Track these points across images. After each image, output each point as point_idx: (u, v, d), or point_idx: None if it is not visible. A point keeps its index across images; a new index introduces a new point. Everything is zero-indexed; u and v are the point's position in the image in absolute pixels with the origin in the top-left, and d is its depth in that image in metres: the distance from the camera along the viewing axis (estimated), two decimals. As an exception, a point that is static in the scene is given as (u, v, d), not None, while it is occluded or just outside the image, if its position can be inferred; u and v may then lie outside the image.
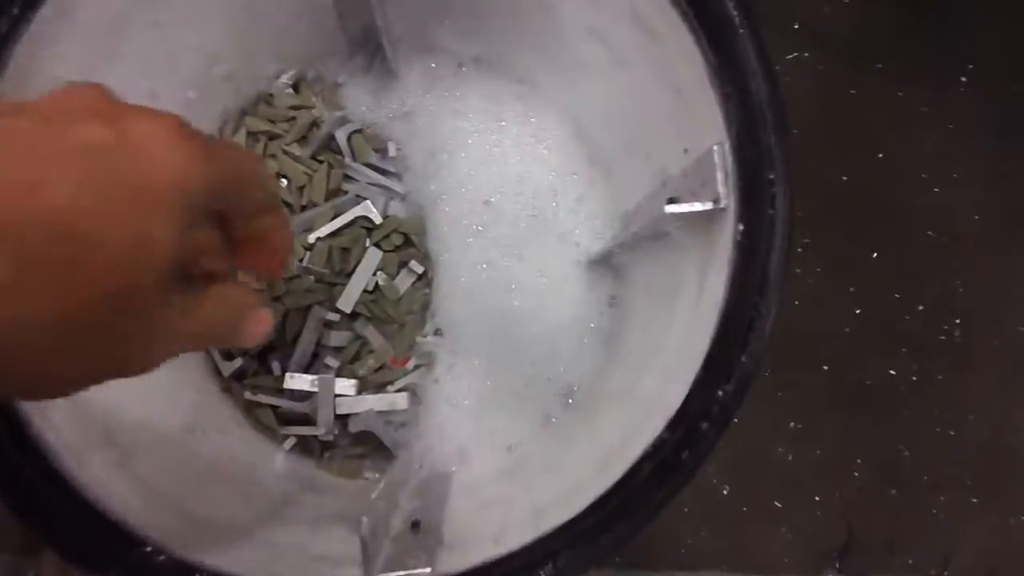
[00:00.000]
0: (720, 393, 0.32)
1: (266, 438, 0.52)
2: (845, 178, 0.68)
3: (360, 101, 0.54)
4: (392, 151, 0.54)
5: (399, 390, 0.52)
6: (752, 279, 0.33)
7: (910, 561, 0.64)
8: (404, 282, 0.53)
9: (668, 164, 0.43)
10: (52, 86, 0.25)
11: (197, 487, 0.42)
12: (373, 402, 0.51)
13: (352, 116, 0.54)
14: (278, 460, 0.52)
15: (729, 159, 0.35)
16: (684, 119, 0.40)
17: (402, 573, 0.33)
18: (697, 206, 0.36)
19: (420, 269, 0.52)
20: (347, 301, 0.51)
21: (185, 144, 0.25)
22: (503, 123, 0.53)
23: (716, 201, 0.36)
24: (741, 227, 0.34)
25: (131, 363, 0.26)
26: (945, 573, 0.65)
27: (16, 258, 0.21)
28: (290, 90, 0.54)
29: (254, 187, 0.30)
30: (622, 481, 0.33)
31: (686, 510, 0.64)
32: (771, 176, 0.34)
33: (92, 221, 0.22)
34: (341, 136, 0.53)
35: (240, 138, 0.53)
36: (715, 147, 0.36)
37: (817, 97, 0.68)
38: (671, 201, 0.42)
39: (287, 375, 0.50)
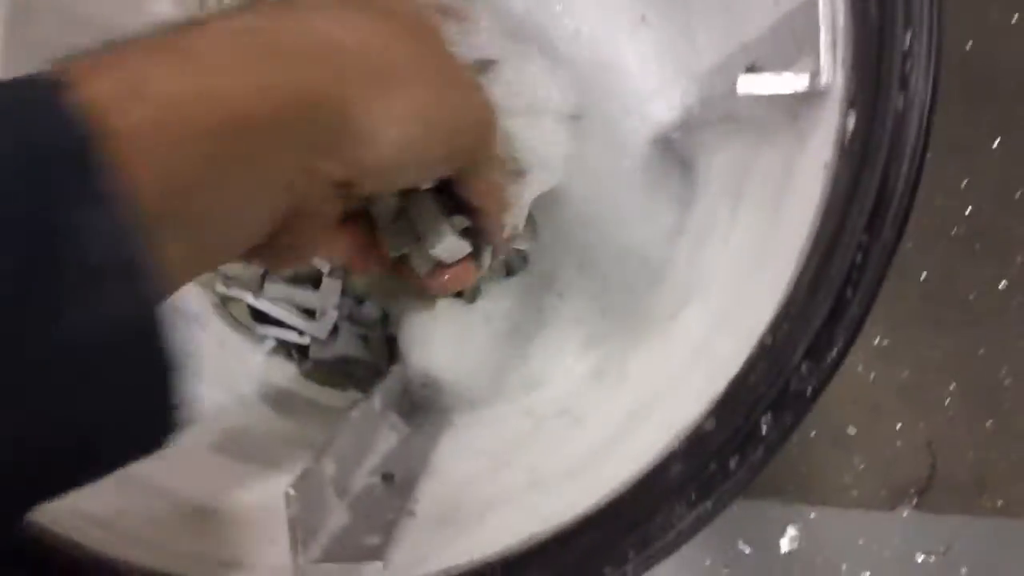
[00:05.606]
0: (803, 370, 0.22)
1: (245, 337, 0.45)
2: (968, 46, 0.56)
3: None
4: None
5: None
6: (859, 203, 0.21)
7: (1000, 502, 0.58)
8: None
9: (753, 19, 0.31)
10: None
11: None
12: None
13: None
14: (255, 362, 0.44)
15: (841, 13, 0.24)
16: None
17: (345, 565, 0.25)
18: (781, 83, 0.25)
19: None
20: None
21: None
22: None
23: (815, 75, 0.24)
24: (852, 120, 0.22)
25: None
26: (1042, 518, 0.56)
27: None
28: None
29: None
30: (640, 486, 0.22)
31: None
32: (907, 40, 0.22)
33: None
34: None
35: None
36: (821, -9, 0.24)
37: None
38: (750, 71, 0.30)
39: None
